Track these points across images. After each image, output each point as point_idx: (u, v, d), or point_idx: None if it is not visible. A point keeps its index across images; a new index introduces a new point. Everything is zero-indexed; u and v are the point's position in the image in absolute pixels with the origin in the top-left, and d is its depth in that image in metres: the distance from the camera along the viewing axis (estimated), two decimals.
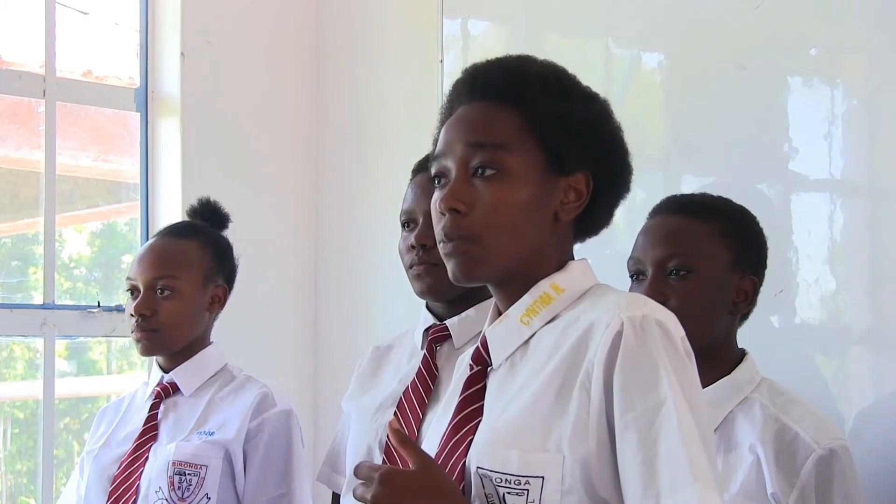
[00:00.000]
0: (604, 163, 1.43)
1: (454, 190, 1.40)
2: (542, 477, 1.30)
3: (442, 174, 1.43)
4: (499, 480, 1.32)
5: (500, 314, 1.45)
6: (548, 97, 1.41)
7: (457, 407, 1.43)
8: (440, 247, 1.42)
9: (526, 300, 1.42)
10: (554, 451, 1.30)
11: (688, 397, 1.30)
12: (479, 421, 1.39)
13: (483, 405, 1.41)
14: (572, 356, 1.34)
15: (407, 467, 1.33)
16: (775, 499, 1.76)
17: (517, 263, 1.41)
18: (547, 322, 1.41)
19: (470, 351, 1.57)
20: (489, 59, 1.47)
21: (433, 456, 1.40)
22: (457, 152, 1.41)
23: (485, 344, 1.44)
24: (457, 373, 1.57)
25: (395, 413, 2.02)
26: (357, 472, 1.33)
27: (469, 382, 1.44)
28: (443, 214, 1.41)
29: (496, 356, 1.43)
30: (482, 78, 1.44)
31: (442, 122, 1.48)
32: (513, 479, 1.31)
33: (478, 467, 1.34)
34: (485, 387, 1.42)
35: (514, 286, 1.43)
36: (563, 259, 1.44)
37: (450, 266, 1.41)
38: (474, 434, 1.38)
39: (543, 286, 1.41)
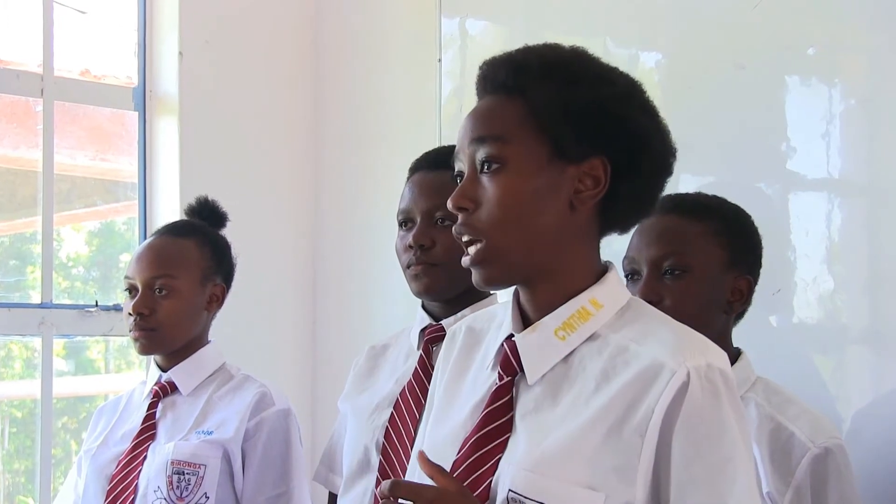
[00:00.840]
0: (621, 147, 1.37)
1: (462, 188, 1.38)
2: None
3: (460, 174, 1.41)
4: None
5: (521, 316, 1.41)
6: (550, 84, 1.37)
7: (482, 419, 1.38)
8: (464, 260, 1.38)
9: (562, 313, 1.37)
10: (597, 489, 1.28)
11: (748, 449, 1.30)
12: (508, 437, 1.35)
13: (512, 418, 1.37)
14: (629, 396, 1.30)
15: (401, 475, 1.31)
16: (771, 498, 1.76)
17: (536, 259, 1.36)
18: (585, 339, 1.36)
19: (461, 325, 1.53)
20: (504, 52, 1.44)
21: (452, 464, 1.37)
22: (465, 149, 1.40)
23: (515, 352, 1.39)
24: (449, 349, 1.52)
25: (393, 414, 2.02)
26: (396, 490, 1.27)
27: (497, 394, 1.39)
28: (456, 215, 1.39)
29: (531, 371, 1.37)
30: (490, 73, 1.42)
31: None
32: None
33: (510, 490, 1.31)
34: (512, 399, 1.38)
35: (541, 288, 1.38)
36: (593, 263, 1.40)
37: (473, 276, 1.38)
38: (503, 451, 1.35)
39: (582, 300, 1.37)
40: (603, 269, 1.41)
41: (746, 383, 1.87)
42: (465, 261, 1.38)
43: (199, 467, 2.25)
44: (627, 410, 1.30)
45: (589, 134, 1.36)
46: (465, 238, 1.38)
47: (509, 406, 1.37)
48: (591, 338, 1.37)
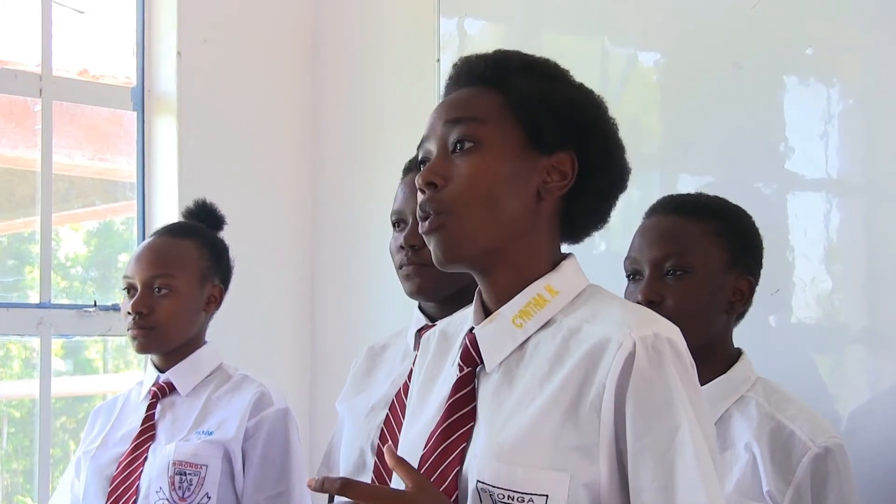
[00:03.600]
0: (589, 147, 1.40)
1: (432, 165, 1.39)
2: (547, 495, 1.29)
3: (426, 159, 1.43)
4: (501, 496, 1.30)
5: (484, 310, 1.43)
6: (529, 78, 1.41)
7: (446, 410, 1.40)
8: (421, 228, 1.39)
9: (519, 301, 1.39)
10: (560, 470, 1.29)
11: (699, 418, 1.30)
12: (472, 426, 1.37)
13: (475, 408, 1.38)
14: (581, 374, 1.32)
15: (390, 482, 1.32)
16: (771, 497, 1.76)
17: (498, 242, 1.37)
18: (542, 326, 1.38)
19: (434, 330, 1.55)
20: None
21: (419, 459, 1.38)
22: (437, 131, 1.41)
23: (474, 343, 1.41)
24: (424, 353, 1.54)
25: (388, 416, 2.02)
26: (350, 491, 1.25)
27: (459, 384, 1.41)
28: (422, 192, 1.39)
29: (489, 359, 1.39)
30: (466, 66, 1.45)
31: None
32: (516, 495, 1.30)
33: (478, 481, 1.32)
34: (474, 389, 1.40)
35: (500, 276, 1.40)
36: (552, 253, 1.42)
37: (431, 248, 1.39)
38: (467, 440, 1.36)
39: (538, 287, 1.39)
40: (560, 259, 1.43)
41: (747, 383, 1.87)
42: (424, 227, 1.38)
43: (201, 467, 2.26)
44: (581, 388, 1.31)
45: (562, 128, 1.39)
46: (433, 213, 1.38)
47: (472, 396, 1.39)
48: (547, 324, 1.38)
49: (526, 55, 1.46)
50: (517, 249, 1.39)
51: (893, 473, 2.09)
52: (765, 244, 1.98)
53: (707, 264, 1.87)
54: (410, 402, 1.53)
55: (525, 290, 1.39)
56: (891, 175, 2.21)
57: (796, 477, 1.76)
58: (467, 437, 1.36)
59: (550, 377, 1.34)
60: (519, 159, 1.38)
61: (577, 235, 1.47)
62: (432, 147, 1.41)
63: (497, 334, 1.39)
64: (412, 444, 1.43)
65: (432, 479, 1.35)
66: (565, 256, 1.43)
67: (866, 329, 2.26)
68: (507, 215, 1.37)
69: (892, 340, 2.20)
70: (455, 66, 1.47)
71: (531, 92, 1.39)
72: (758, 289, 1.94)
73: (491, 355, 1.40)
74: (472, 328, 1.43)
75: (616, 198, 1.46)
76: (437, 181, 1.37)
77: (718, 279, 1.88)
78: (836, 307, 2.28)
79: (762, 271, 1.97)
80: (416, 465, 1.37)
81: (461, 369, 1.42)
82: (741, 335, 1.95)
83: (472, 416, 1.38)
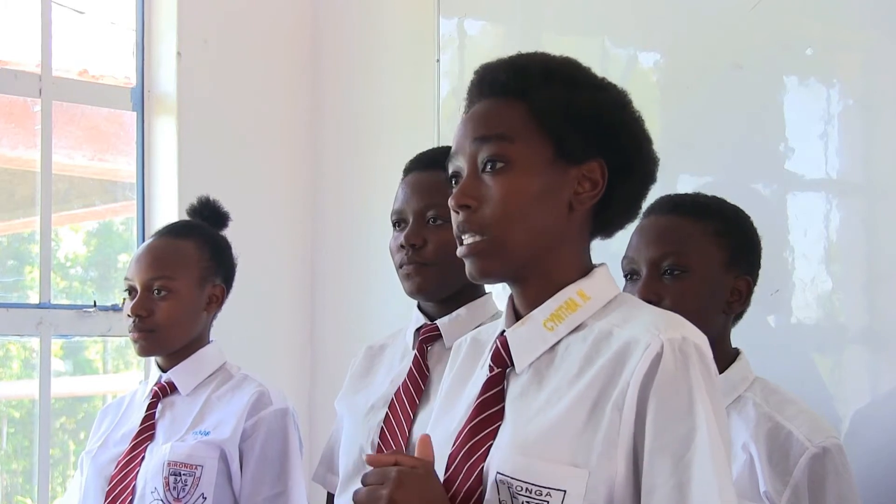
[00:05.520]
0: (618, 151, 1.41)
1: (463, 186, 1.40)
2: (565, 490, 1.29)
3: (456, 174, 1.44)
4: (518, 488, 1.31)
5: (515, 314, 1.44)
6: (550, 87, 1.41)
7: (475, 409, 1.41)
8: (459, 251, 1.41)
9: (551, 305, 1.40)
10: (581, 466, 1.30)
11: (719, 424, 1.31)
12: (500, 425, 1.38)
13: (503, 408, 1.40)
14: (608, 373, 1.33)
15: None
16: (768, 497, 1.76)
17: (532, 257, 1.40)
18: (572, 330, 1.40)
19: (466, 337, 1.57)
20: (499, 58, 1.48)
21: (448, 456, 1.40)
22: (466, 149, 1.42)
23: (506, 345, 1.43)
24: (454, 360, 1.56)
25: (388, 414, 2.01)
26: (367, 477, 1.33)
27: (488, 384, 1.43)
28: (456, 213, 1.41)
29: (519, 360, 1.41)
30: (488, 76, 1.45)
31: None
32: (534, 488, 1.31)
33: (498, 472, 1.33)
34: (503, 389, 1.41)
35: (532, 284, 1.42)
36: (584, 261, 1.44)
37: (467, 267, 1.41)
38: (494, 438, 1.37)
39: (569, 292, 1.41)
40: (592, 267, 1.44)
41: (745, 383, 1.87)
42: (461, 251, 1.41)
43: (196, 468, 2.25)
44: (607, 387, 1.33)
45: (589, 136, 1.40)
46: (466, 236, 1.40)
47: (500, 396, 1.41)
48: (578, 328, 1.40)
49: (546, 59, 1.46)
50: (549, 259, 1.41)
51: (894, 474, 2.09)
52: (764, 244, 1.98)
53: (705, 264, 1.87)
54: (437, 405, 1.56)
55: (556, 294, 1.41)
56: (891, 175, 2.21)
57: (794, 477, 1.76)
58: (494, 435, 1.38)
59: (579, 377, 1.35)
60: (549, 173, 1.39)
61: (608, 232, 1.49)
62: (462, 164, 1.43)
63: (528, 337, 1.41)
64: (440, 442, 1.44)
65: (459, 476, 1.37)
66: (597, 265, 1.45)
67: (866, 329, 2.26)
68: (540, 230, 1.39)
69: (892, 340, 2.20)
70: (477, 73, 1.47)
71: (556, 104, 1.40)
72: (757, 289, 1.94)
73: (521, 356, 1.41)
74: (503, 331, 1.45)
75: (648, 190, 1.48)
76: (470, 203, 1.39)
77: (716, 279, 1.88)
78: (836, 307, 2.28)
79: (762, 271, 1.97)
80: (444, 463, 1.40)
81: (491, 370, 1.44)
82: (741, 335, 1.95)
83: (500, 415, 1.39)
